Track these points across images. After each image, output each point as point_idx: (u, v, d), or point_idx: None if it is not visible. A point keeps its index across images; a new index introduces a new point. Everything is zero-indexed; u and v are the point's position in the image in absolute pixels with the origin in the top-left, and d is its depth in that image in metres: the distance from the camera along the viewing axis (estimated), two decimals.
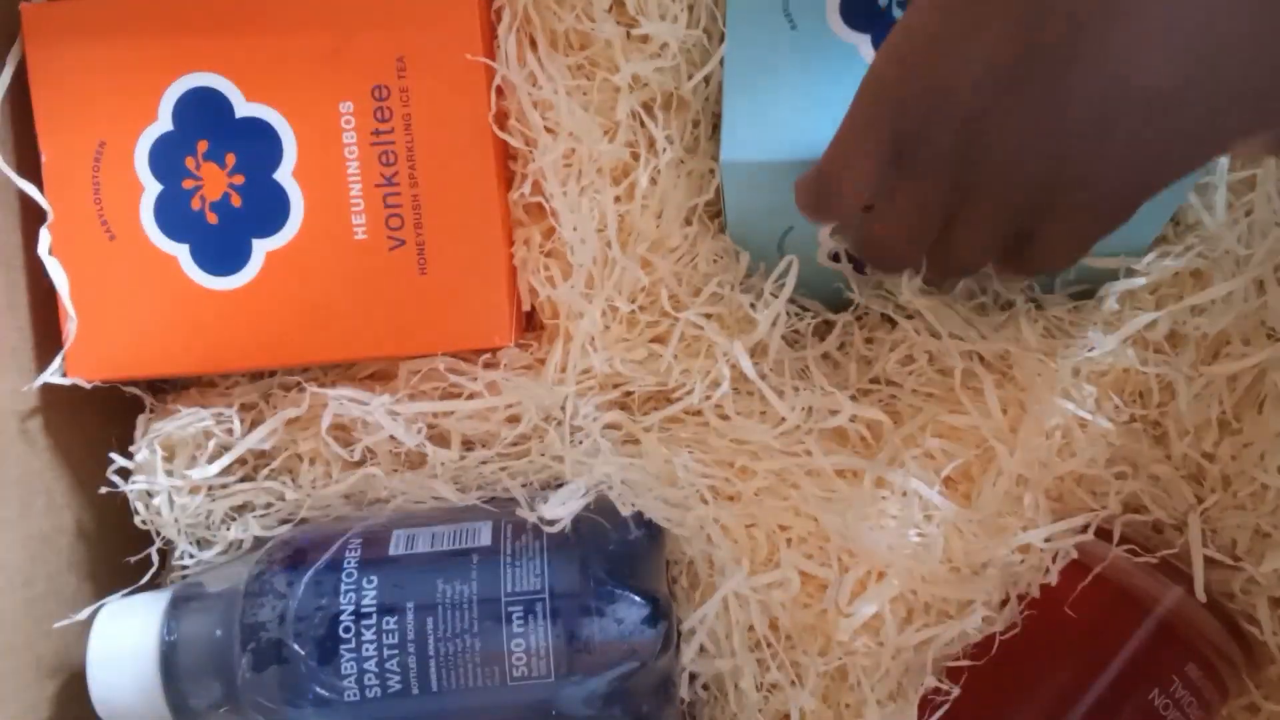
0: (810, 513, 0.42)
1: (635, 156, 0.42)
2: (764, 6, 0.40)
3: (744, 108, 0.39)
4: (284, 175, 0.41)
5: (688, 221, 0.43)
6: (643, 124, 0.42)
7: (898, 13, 0.39)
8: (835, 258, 0.43)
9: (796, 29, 0.39)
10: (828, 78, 0.39)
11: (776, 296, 0.42)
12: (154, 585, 0.43)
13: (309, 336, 0.42)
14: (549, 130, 0.42)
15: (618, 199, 0.42)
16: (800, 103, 0.38)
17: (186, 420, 0.44)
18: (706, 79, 0.42)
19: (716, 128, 0.44)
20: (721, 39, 0.42)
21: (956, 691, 0.40)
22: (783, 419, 0.42)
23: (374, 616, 0.38)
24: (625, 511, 0.40)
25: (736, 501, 0.42)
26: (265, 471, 0.44)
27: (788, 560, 0.41)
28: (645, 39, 0.41)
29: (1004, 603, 0.42)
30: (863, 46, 0.39)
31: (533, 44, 0.42)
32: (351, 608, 0.38)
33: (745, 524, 0.42)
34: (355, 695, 0.37)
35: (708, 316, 0.43)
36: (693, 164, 0.43)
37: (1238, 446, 0.42)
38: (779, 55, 0.39)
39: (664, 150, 0.42)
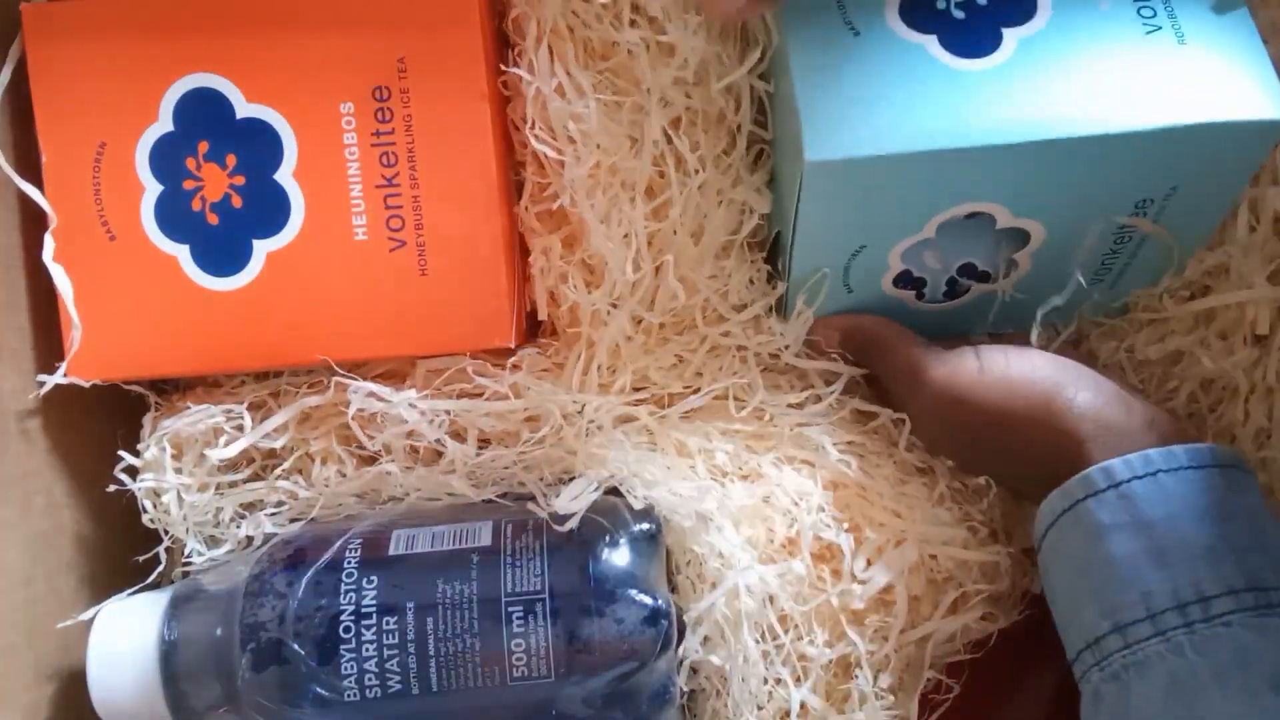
0: (829, 479, 0.43)
1: (662, 174, 0.42)
2: (821, 19, 0.39)
3: (821, 112, 0.38)
4: (284, 176, 0.41)
5: (725, 252, 0.44)
6: (670, 141, 0.42)
7: (958, 14, 0.39)
8: (900, 283, 0.44)
9: (859, 35, 0.39)
10: (899, 76, 0.38)
11: (809, 306, 0.43)
12: (158, 585, 0.43)
13: (309, 337, 0.42)
14: (572, 141, 0.41)
15: (649, 216, 0.42)
16: (876, 104, 0.38)
17: (196, 417, 0.44)
18: (737, 107, 0.42)
19: (757, 159, 0.44)
20: (751, 56, 0.42)
21: (956, 688, 0.40)
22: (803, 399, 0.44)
23: (374, 616, 0.38)
24: (637, 505, 0.40)
25: (753, 478, 0.43)
26: (276, 472, 0.44)
27: (806, 529, 0.41)
28: (670, 52, 0.41)
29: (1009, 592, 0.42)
30: (930, 46, 0.39)
31: (558, 53, 0.42)
32: (351, 608, 0.38)
33: (761, 500, 0.42)
34: (355, 695, 0.37)
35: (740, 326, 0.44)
36: (733, 194, 0.43)
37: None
38: (847, 62, 0.39)
39: (696, 172, 0.42)
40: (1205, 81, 0.37)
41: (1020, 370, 0.40)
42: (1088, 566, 0.35)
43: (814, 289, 0.43)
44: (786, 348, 0.45)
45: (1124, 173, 0.39)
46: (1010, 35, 0.39)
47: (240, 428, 0.44)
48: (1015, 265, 0.43)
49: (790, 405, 0.44)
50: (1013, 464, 0.41)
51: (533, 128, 0.42)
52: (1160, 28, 0.39)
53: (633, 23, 0.41)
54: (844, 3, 0.39)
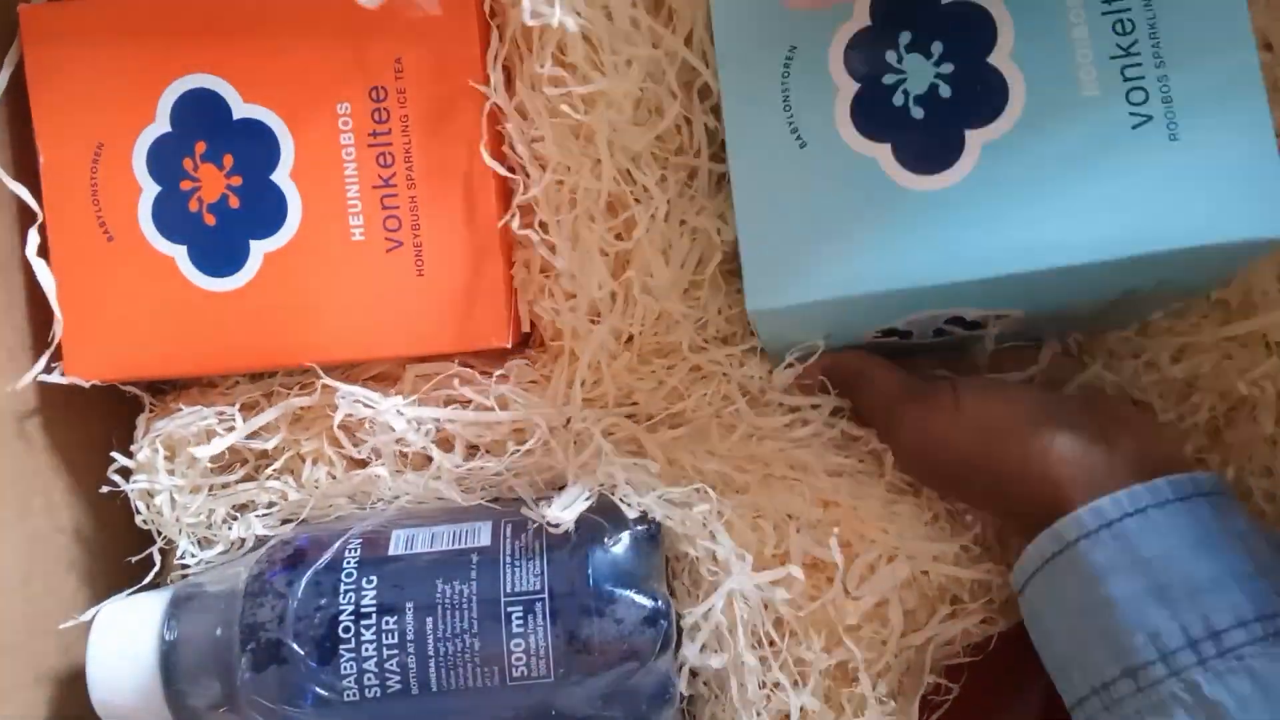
0: (820, 497, 0.42)
1: (633, 197, 0.42)
2: (767, 126, 0.36)
3: (762, 251, 0.36)
4: (281, 176, 0.41)
5: (696, 285, 0.43)
6: (630, 171, 0.41)
7: (917, 112, 0.35)
8: (883, 335, 0.41)
9: (806, 147, 0.36)
10: (849, 200, 0.35)
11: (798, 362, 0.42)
12: (155, 585, 0.44)
13: (306, 338, 0.42)
14: (538, 159, 0.41)
15: (619, 237, 0.42)
16: (822, 234, 0.35)
17: (188, 419, 0.44)
18: (691, 136, 0.41)
19: (719, 181, 0.43)
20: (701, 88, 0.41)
21: (956, 690, 0.40)
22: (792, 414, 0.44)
23: (374, 616, 0.38)
24: (631, 513, 0.40)
25: (743, 494, 0.43)
26: (268, 472, 0.44)
27: (796, 545, 0.41)
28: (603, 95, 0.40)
29: (1005, 601, 0.43)
30: (883, 159, 0.35)
31: (518, 73, 0.41)
32: (351, 608, 0.38)
33: (752, 514, 0.42)
34: (355, 695, 0.38)
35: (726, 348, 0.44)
36: (696, 221, 0.42)
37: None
38: (791, 181, 0.36)
39: (652, 197, 0.41)
40: (1194, 191, 0.33)
41: (997, 411, 0.39)
42: (1088, 610, 0.35)
43: (788, 347, 0.42)
44: (766, 390, 0.44)
45: (1103, 281, 0.36)
46: (974, 140, 0.35)
47: (232, 429, 0.44)
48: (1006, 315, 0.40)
49: (778, 428, 0.44)
50: (993, 503, 0.40)
51: (501, 144, 0.41)
52: (1150, 118, 0.34)
53: (558, 63, 0.39)
54: (790, 102, 0.36)
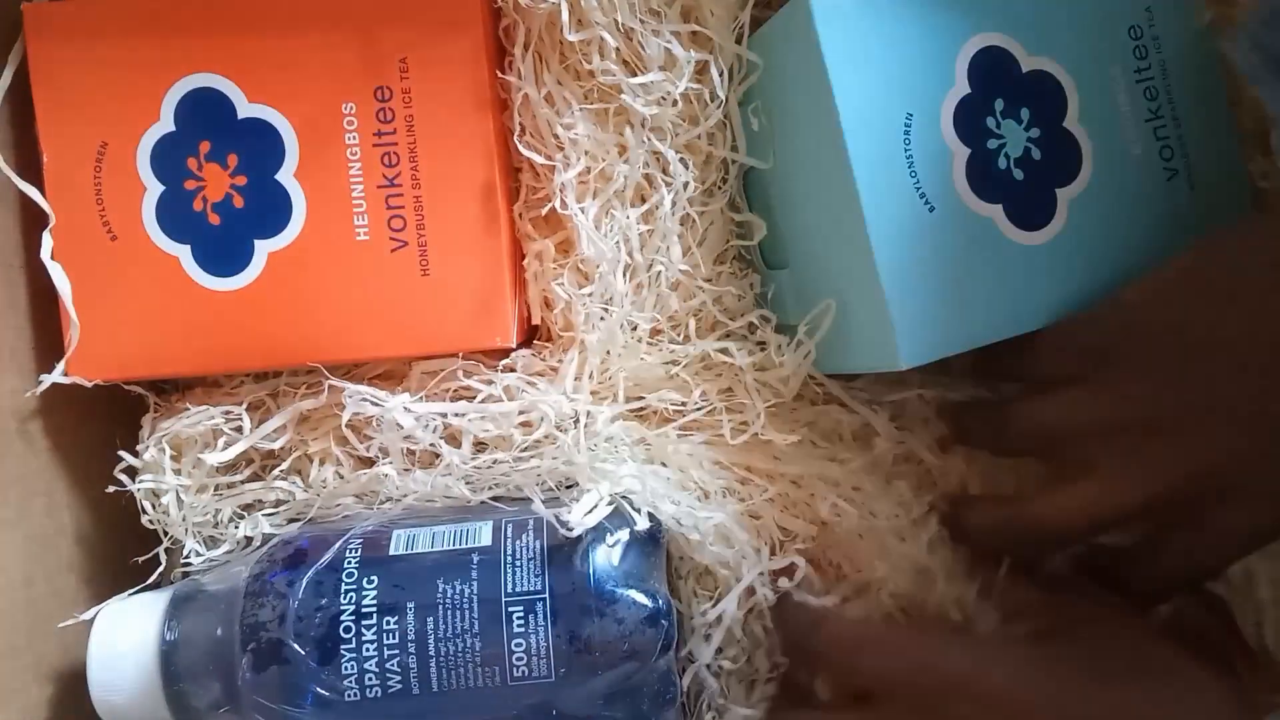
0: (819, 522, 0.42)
1: (650, 180, 0.42)
2: (898, 191, 0.38)
3: (910, 309, 0.37)
4: (286, 176, 0.41)
5: (719, 261, 0.44)
6: (659, 155, 0.42)
7: (1019, 173, 0.39)
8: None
9: (935, 210, 0.38)
10: (973, 257, 0.38)
11: (810, 337, 0.42)
12: (156, 585, 0.43)
13: (310, 337, 0.42)
14: (560, 147, 0.42)
15: (639, 220, 0.42)
16: (957, 289, 0.38)
17: (195, 418, 0.43)
18: (726, 127, 0.42)
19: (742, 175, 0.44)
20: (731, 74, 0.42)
21: None
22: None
23: (374, 616, 0.38)
24: (642, 522, 0.40)
25: (755, 518, 0.42)
26: (275, 473, 0.44)
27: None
28: (647, 89, 0.41)
29: None
30: (997, 219, 0.39)
31: (546, 63, 0.42)
32: (352, 608, 0.38)
33: (755, 523, 0.42)
34: (356, 695, 0.37)
35: (733, 341, 0.44)
36: (719, 210, 0.43)
37: None
38: (924, 242, 0.38)
39: (682, 179, 0.42)
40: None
41: None
42: None
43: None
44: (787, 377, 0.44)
45: None
46: (1062, 198, 0.39)
47: (239, 429, 0.44)
48: None
49: (789, 444, 0.43)
50: None
51: (521, 134, 0.42)
52: (1177, 171, 0.41)
53: (601, 55, 0.41)
54: (916, 171, 0.38)
